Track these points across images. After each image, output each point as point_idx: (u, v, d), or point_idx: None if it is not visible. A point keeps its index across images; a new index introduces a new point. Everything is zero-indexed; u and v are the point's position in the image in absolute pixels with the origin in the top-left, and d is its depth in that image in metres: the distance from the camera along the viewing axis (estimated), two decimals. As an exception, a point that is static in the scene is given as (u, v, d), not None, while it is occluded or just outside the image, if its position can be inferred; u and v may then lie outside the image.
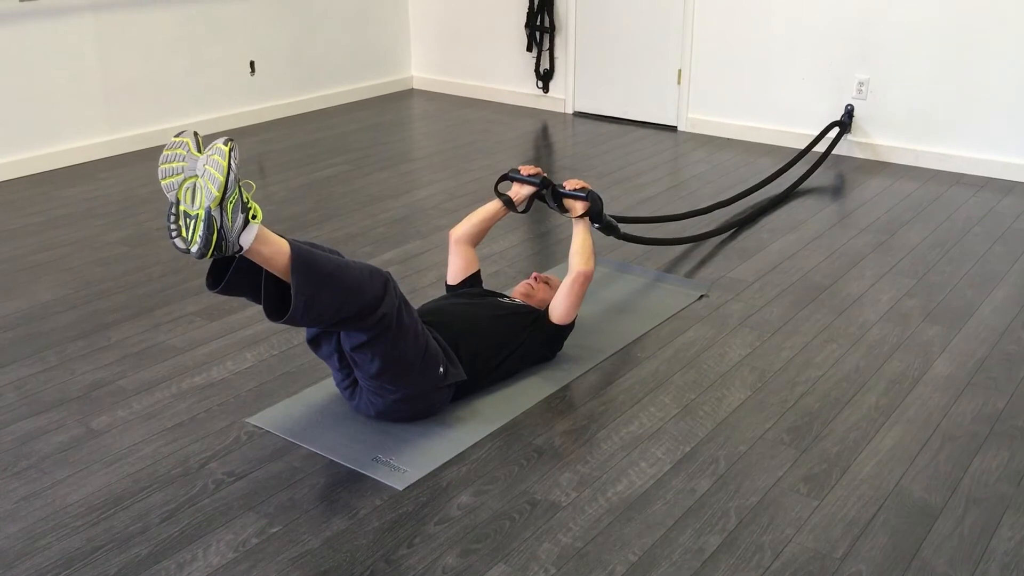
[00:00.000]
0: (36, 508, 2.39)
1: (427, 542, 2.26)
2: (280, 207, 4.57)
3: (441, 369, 2.68)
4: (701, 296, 3.61)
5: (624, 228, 3.56)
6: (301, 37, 6.37)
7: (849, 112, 5.40)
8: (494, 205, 3.24)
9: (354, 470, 2.53)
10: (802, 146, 5.41)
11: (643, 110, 6.18)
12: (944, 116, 5.16)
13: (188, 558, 2.21)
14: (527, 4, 6.41)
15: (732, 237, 4.21)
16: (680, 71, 5.95)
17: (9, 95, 4.97)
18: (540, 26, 6.41)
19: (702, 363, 3.12)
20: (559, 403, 2.88)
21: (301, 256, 2.31)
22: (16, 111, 5.01)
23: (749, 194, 4.63)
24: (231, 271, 2.34)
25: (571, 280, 2.98)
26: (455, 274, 3.22)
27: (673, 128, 6.07)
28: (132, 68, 5.46)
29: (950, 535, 2.30)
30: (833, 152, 5.42)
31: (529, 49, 6.50)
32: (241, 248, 2.22)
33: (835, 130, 5.35)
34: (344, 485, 2.48)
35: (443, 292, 3.30)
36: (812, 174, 5.00)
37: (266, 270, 2.33)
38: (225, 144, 2.16)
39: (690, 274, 3.81)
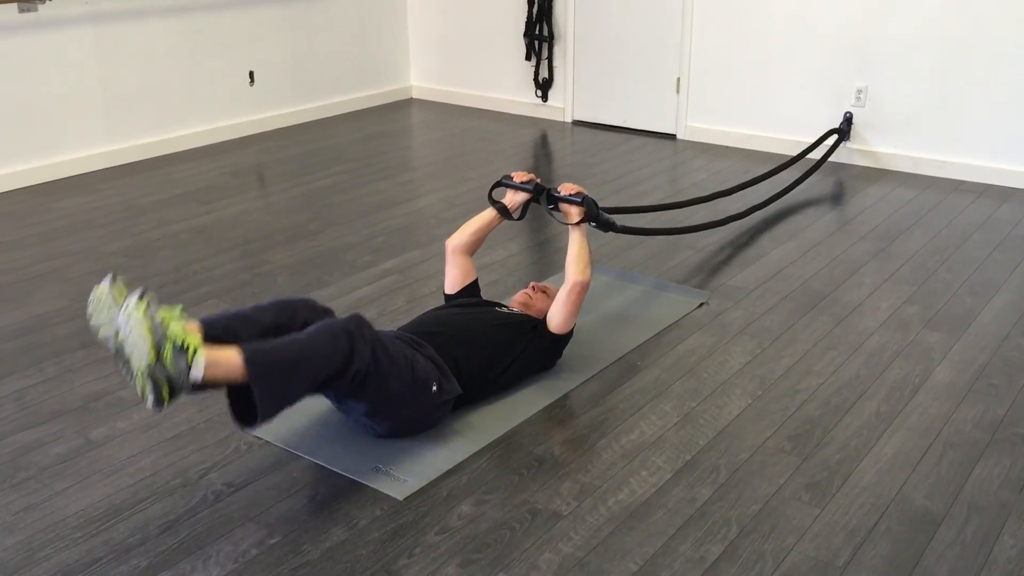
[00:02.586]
0: (35, 520, 2.38)
1: (428, 552, 2.25)
2: (280, 216, 4.57)
3: (435, 387, 2.67)
4: (701, 304, 3.60)
5: (621, 221, 3.54)
6: (300, 47, 6.38)
7: (848, 120, 5.40)
8: (489, 214, 3.23)
9: (354, 480, 2.53)
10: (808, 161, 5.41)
11: (642, 119, 6.19)
12: (943, 123, 5.17)
13: (188, 569, 2.20)
14: (526, 13, 6.42)
15: (732, 244, 4.21)
16: (679, 79, 5.96)
17: (9, 106, 4.97)
18: (539, 35, 6.43)
19: (702, 371, 3.11)
20: (559, 412, 2.88)
21: (256, 363, 2.29)
22: (16, 122, 5.02)
23: (753, 184, 4.62)
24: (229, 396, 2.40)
25: (568, 290, 2.98)
26: (453, 284, 3.22)
27: (672, 136, 6.08)
28: (132, 79, 5.47)
29: (952, 543, 2.30)
30: (832, 160, 5.43)
31: (528, 58, 6.51)
32: (194, 384, 2.22)
33: (833, 137, 5.36)
34: (344, 495, 2.47)
35: (442, 301, 3.29)
36: (812, 175, 5.02)
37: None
38: (140, 301, 2.17)
39: (690, 282, 3.81)
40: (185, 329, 2.26)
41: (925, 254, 4.11)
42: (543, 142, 6.07)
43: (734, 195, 4.62)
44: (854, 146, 5.46)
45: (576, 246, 3.03)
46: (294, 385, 2.37)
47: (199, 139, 5.87)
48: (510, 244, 4.21)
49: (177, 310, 2.29)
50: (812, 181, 5.12)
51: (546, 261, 4.04)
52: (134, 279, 3.85)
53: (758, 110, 5.72)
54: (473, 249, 3.25)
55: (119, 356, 2.20)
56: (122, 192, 4.99)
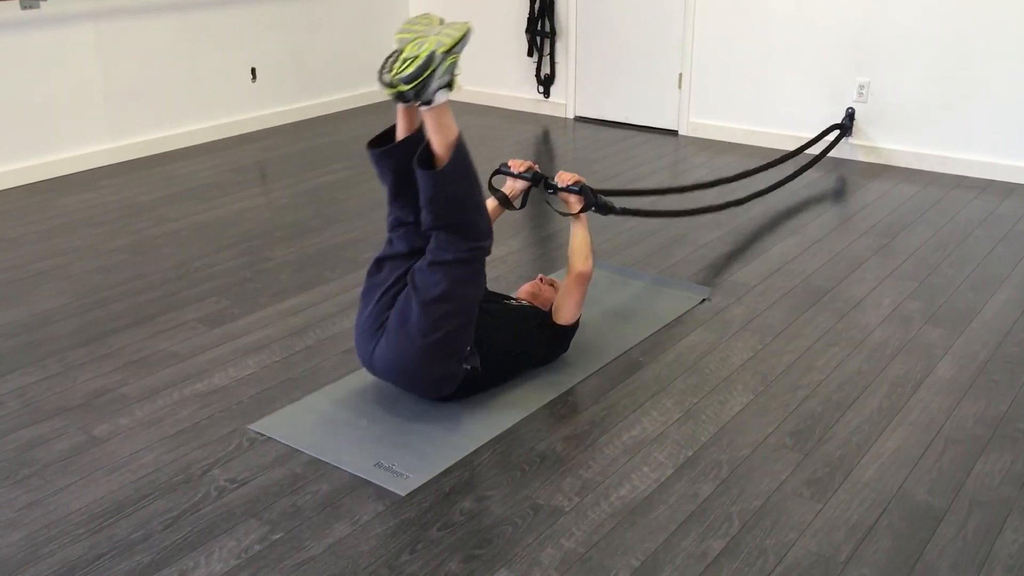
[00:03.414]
0: (38, 516, 2.39)
1: (429, 548, 2.26)
2: (281, 213, 4.57)
3: (469, 348, 2.75)
4: (703, 300, 3.60)
5: (620, 207, 3.55)
6: (302, 44, 6.38)
7: (850, 115, 5.40)
8: (490, 204, 3.24)
9: (356, 476, 2.53)
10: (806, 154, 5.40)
11: (644, 114, 6.18)
12: (945, 119, 5.16)
13: (191, 565, 2.21)
14: (527, 9, 6.42)
15: (733, 240, 4.21)
16: (681, 75, 5.96)
17: (9, 103, 4.98)
18: (541, 31, 6.42)
19: (704, 367, 3.11)
20: (561, 408, 2.88)
21: (464, 144, 2.62)
22: (16, 119, 5.02)
23: (754, 173, 4.64)
24: (397, 144, 2.69)
25: (571, 281, 3.00)
26: None
27: (674, 132, 6.07)
28: (133, 76, 5.47)
29: (954, 538, 2.30)
30: (834, 155, 5.43)
31: (530, 54, 6.51)
32: (431, 102, 2.51)
33: (835, 132, 5.36)
34: (346, 491, 2.47)
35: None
36: (815, 163, 5.04)
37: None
38: (464, 24, 2.54)
39: (692, 278, 3.81)
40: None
41: (927, 250, 4.10)
42: (545, 138, 6.07)
43: (736, 182, 4.63)
44: (856, 142, 5.46)
45: (578, 236, 3.04)
46: (466, 186, 2.65)
47: (200, 136, 5.87)
48: (512, 240, 4.21)
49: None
50: (814, 177, 5.12)
51: (548, 257, 4.04)
52: (135, 276, 3.86)
53: (760, 106, 5.72)
54: None
55: (394, 53, 2.49)
56: (123, 189, 5.00)
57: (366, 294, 2.79)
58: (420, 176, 2.61)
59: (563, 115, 6.54)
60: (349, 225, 4.42)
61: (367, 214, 4.56)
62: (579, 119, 6.47)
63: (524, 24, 6.47)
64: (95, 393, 2.97)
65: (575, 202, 3.11)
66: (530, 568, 2.19)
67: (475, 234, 2.68)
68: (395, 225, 2.80)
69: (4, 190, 4.96)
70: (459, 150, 2.60)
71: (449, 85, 2.52)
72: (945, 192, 4.88)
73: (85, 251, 4.15)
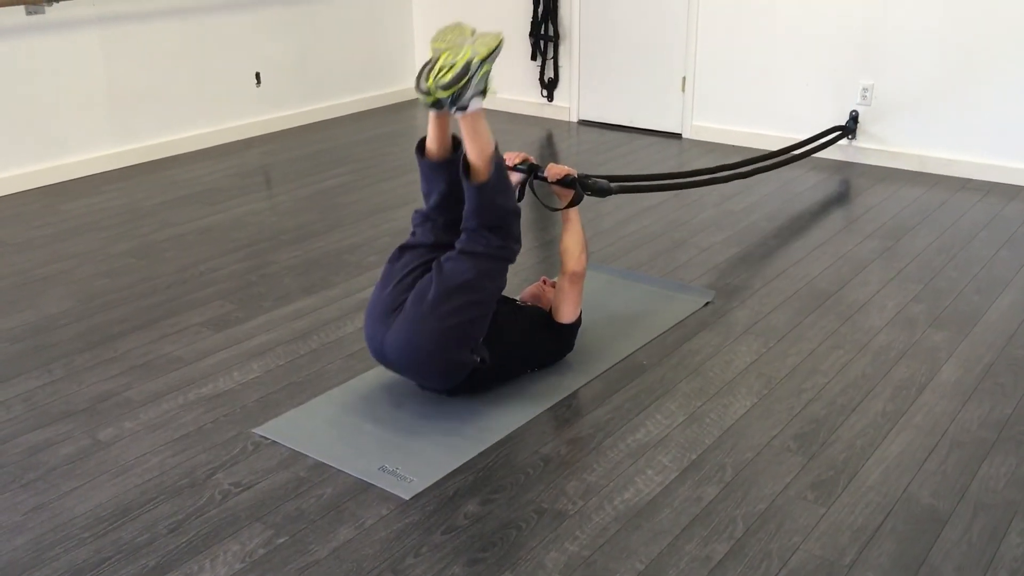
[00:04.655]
0: (43, 520, 2.39)
1: (434, 551, 2.26)
2: (285, 217, 4.58)
3: (481, 339, 2.80)
4: (706, 303, 3.60)
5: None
6: (306, 48, 6.39)
7: (854, 118, 5.40)
8: None
9: (360, 480, 2.53)
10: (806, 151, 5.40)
11: (647, 118, 6.18)
12: (949, 121, 5.16)
13: (195, 569, 2.21)
14: (531, 13, 6.42)
15: (737, 243, 4.21)
16: (684, 79, 5.96)
17: (15, 108, 4.99)
18: (544, 35, 6.43)
19: (708, 370, 3.11)
20: (565, 411, 2.88)
21: (500, 156, 2.76)
22: (22, 124, 5.03)
23: (754, 162, 4.64)
24: (454, 158, 2.78)
25: (565, 281, 3.02)
26: None
27: (678, 136, 6.08)
28: (138, 81, 5.49)
29: (958, 542, 2.29)
30: (838, 158, 5.43)
31: (533, 58, 6.51)
32: (466, 108, 2.60)
33: (836, 132, 5.36)
34: (350, 495, 2.48)
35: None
36: (820, 150, 5.11)
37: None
38: (497, 35, 2.63)
39: (695, 281, 3.81)
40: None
41: (932, 252, 4.10)
42: (549, 142, 6.08)
43: (732, 181, 4.64)
44: (860, 144, 5.45)
45: (570, 232, 3.05)
46: (504, 197, 2.76)
47: (205, 140, 5.88)
48: (516, 244, 4.21)
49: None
50: (818, 180, 5.12)
51: (552, 260, 4.04)
52: (140, 280, 3.87)
53: (764, 109, 5.72)
54: None
55: (431, 61, 2.59)
56: (128, 194, 5.01)
57: (384, 278, 2.84)
58: (468, 188, 2.73)
59: (567, 118, 6.54)
60: (353, 229, 4.42)
61: (371, 218, 4.56)
62: (583, 122, 6.47)
63: (528, 28, 6.47)
64: (100, 397, 2.98)
65: (565, 196, 3.10)
66: (534, 572, 2.19)
67: (509, 235, 2.79)
68: (422, 221, 2.88)
69: (10, 195, 4.98)
70: (498, 163, 2.73)
71: (483, 93, 2.63)
72: (949, 195, 4.88)
73: (90, 255, 4.16)
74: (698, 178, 4.21)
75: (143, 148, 5.57)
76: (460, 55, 2.56)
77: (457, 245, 2.77)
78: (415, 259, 2.81)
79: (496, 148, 2.72)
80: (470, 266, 2.72)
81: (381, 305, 2.80)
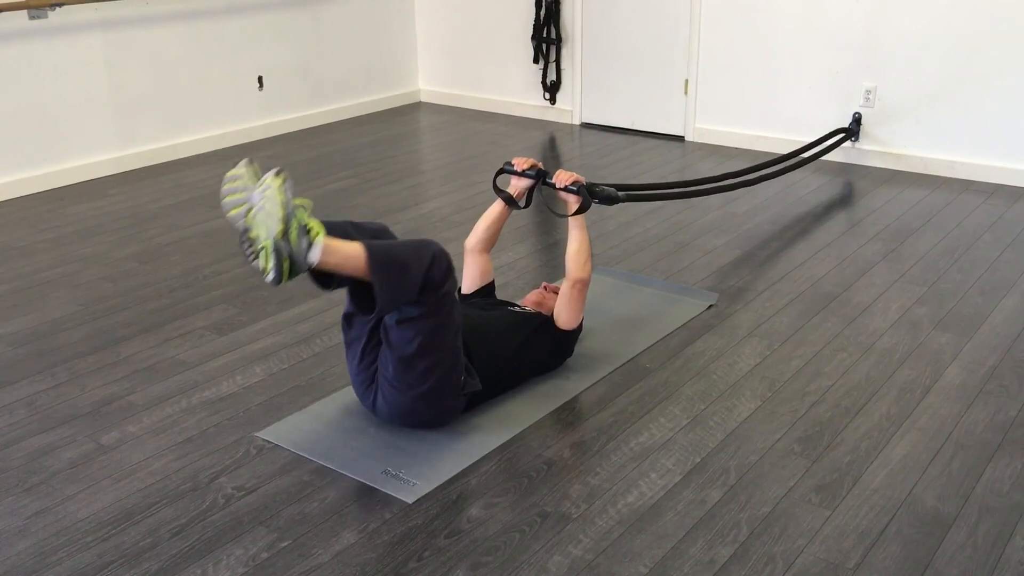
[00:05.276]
0: (47, 524, 2.39)
1: (437, 555, 2.26)
2: (289, 221, 4.58)
3: (463, 376, 2.71)
4: (710, 306, 3.60)
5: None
6: (309, 52, 6.40)
7: (857, 120, 5.39)
8: (497, 207, 3.25)
9: (364, 483, 2.53)
10: (809, 154, 5.40)
11: (650, 120, 6.18)
12: (952, 123, 5.15)
13: (198, 573, 2.21)
14: (533, 16, 6.43)
15: (740, 246, 4.21)
16: (687, 81, 5.96)
17: (19, 112, 5.00)
18: (547, 38, 6.43)
19: (712, 373, 3.11)
20: (568, 415, 2.88)
21: (376, 257, 2.47)
22: (26, 128, 5.04)
23: (757, 169, 4.66)
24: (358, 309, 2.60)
25: (569, 288, 3.00)
26: (469, 284, 3.24)
27: (680, 138, 6.07)
28: (141, 84, 5.49)
29: (963, 544, 2.29)
30: (842, 160, 5.43)
31: (536, 61, 6.52)
32: (311, 264, 2.40)
33: (840, 135, 5.35)
34: (354, 499, 2.47)
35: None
36: (819, 156, 5.10)
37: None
38: (277, 176, 2.37)
39: (699, 284, 3.80)
40: (310, 218, 2.44)
41: (935, 255, 4.09)
42: (551, 145, 6.08)
43: (739, 189, 4.64)
44: (863, 147, 5.45)
45: (576, 240, 3.04)
46: (408, 280, 2.51)
47: (208, 144, 5.89)
48: (519, 247, 4.21)
49: (307, 203, 2.47)
50: (821, 182, 5.12)
51: (555, 264, 4.04)
52: (144, 284, 3.87)
53: (766, 111, 5.71)
54: (489, 245, 3.26)
55: (245, 235, 2.36)
56: (132, 197, 5.02)
57: (348, 351, 2.77)
58: (365, 316, 2.62)
59: (569, 121, 6.54)
60: (356, 232, 4.42)
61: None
62: (585, 125, 6.47)
63: (530, 31, 6.48)
64: (103, 401, 2.98)
65: (573, 202, 3.09)
66: (538, 575, 2.19)
67: (433, 289, 2.56)
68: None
69: (13, 199, 4.99)
70: (375, 268, 2.46)
71: (310, 241, 2.38)
72: (953, 197, 4.87)
73: (94, 259, 4.16)
74: (705, 187, 4.21)
75: (146, 152, 5.58)
76: (263, 237, 2.33)
77: (390, 316, 2.62)
78: (364, 326, 2.69)
79: (366, 251, 2.46)
80: (414, 332, 2.58)
81: (357, 380, 2.78)
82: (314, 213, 2.49)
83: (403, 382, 2.65)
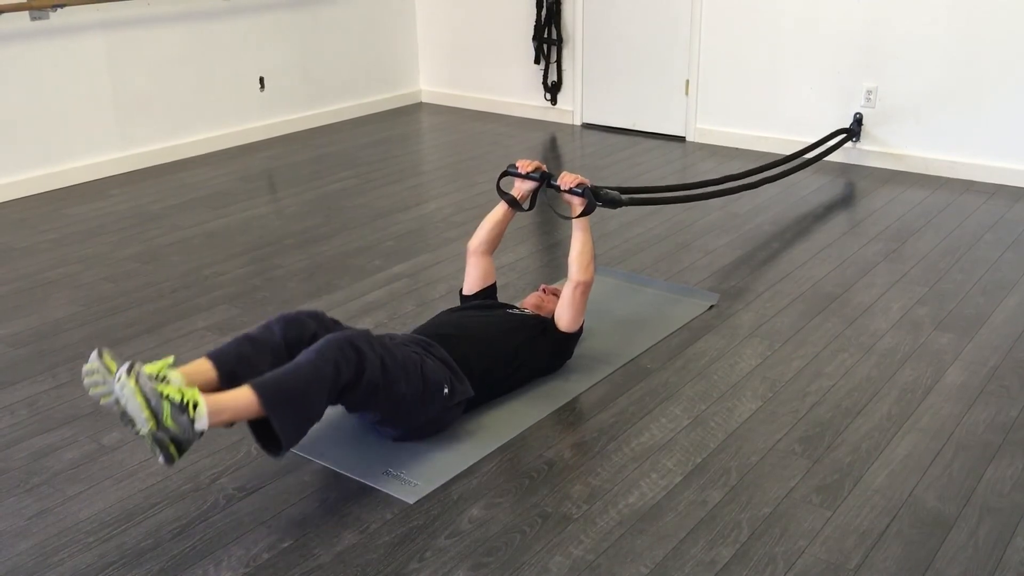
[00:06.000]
0: (48, 524, 2.40)
1: (438, 556, 2.26)
2: (290, 221, 4.58)
3: (446, 390, 2.66)
4: (711, 306, 3.60)
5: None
6: (310, 53, 6.40)
7: (858, 120, 5.39)
8: (501, 208, 3.24)
9: (364, 484, 2.53)
10: (811, 155, 5.40)
11: (651, 121, 6.18)
12: (953, 123, 5.15)
13: (199, 574, 2.21)
14: (534, 17, 6.43)
15: (741, 247, 4.21)
16: (688, 81, 5.96)
17: (20, 113, 5.00)
18: (547, 38, 6.43)
19: (712, 374, 3.11)
20: (569, 415, 2.88)
21: (269, 397, 2.30)
22: (27, 129, 5.05)
23: (760, 171, 4.65)
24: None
25: (571, 290, 2.99)
26: (471, 285, 3.23)
27: (681, 139, 6.07)
28: (142, 85, 5.50)
29: (964, 545, 2.29)
30: (843, 161, 5.42)
31: (537, 61, 6.52)
32: (201, 433, 2.24)
33: (841, 136, 5.35)
34: (354, 499, 2.48)
35: (454, 303, 3.30)
36: (822, 158, 5.12)
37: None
38: (129, 375, 2.19)
39: (700, 285, 3.80)
40: (182, 384, 2.28)
41: (936, 255, 4.09)
42: (552, 145, 6.08)
43: (741, 192, 4.64)
44: (864, 147, 5.44)
45: (579, 242, 3.03)
46: (311, 407, 2.39)
47: (210, 145, 5.89)
48: (520, 248, 4.21)
49: (168, 363, 2.32)
50: (822, 182, 5.12)
51: (556, 264, 4.04)
52: (145, 285, 3.87)
53: (767, 112, 5.71)
54: (492, 247, 3.26)
55: (124, 419, 2.22)
56: (133, 198, 5.02)
57: None
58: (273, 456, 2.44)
59: (570, 122, 6.54)
60: (357, 233, 4.43)
61: (376, 222, 4.57)
62: (586, 126, 6.47)
63: (531, 32, 6.48)
64: (105, 402, 2.98)
65: (577, 204, 3.09)
66: (539, 576, 2.19)
67: (349, 388, 2.45)
68: None
69: (15, 199, 4.99)
70: (271, 408, 2.30)
71: (190, 417, 2.22)
72: (954, 197, 4.87)
73: (95, 260, 4.16)
74: (708, 189, 4.21)
75: (148, 152, 5.58)
76: (138, 427, 2.20)
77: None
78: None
79: (255, 390, 2.30)
80: (369, 411, 2.61)
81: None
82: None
83: (387, 428, 2.70)
